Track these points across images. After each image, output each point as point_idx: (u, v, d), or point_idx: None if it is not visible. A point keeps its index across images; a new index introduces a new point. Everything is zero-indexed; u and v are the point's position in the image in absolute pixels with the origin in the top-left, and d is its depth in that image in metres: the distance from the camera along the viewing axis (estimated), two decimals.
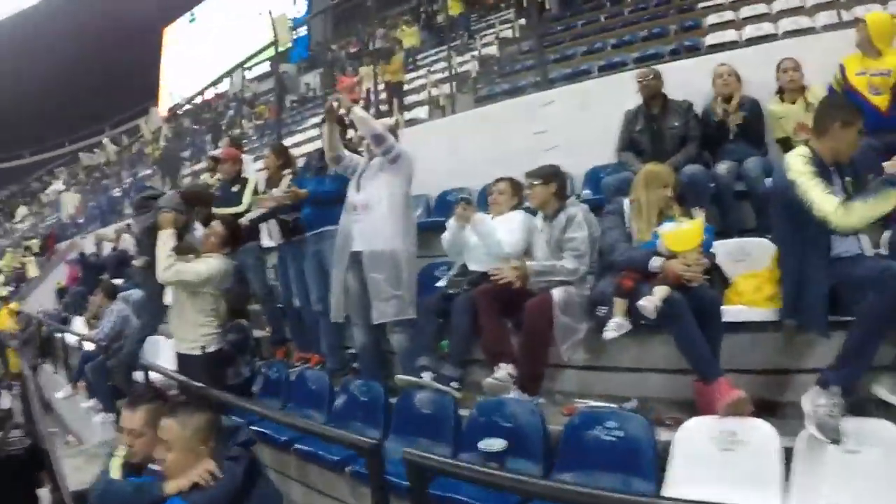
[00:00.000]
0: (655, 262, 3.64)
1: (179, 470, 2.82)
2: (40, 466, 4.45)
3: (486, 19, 17.22)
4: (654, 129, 5.35)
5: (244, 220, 6.11)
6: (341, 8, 16.01)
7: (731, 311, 3.62)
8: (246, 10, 36.09)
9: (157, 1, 44.42)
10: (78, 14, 48.51)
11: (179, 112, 16.38)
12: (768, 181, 4.45)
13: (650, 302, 3.42)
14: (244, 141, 14.28)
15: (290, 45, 11.55)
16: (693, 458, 3.04)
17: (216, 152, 10.17)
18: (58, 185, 24.78)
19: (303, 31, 27.48)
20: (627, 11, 12.84)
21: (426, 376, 4.25)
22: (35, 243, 21.30)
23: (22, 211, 31.50)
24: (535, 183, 4.46)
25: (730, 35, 9.26)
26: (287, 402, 5.30)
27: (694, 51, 8.85)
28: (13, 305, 14.22)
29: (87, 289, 12.06)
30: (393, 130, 4.91)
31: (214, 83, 16.94)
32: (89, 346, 8.31)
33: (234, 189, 6.62)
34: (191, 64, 41.09)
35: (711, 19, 10.36)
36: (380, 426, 4.35)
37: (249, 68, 13.69)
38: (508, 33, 14.90)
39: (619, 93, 5.83)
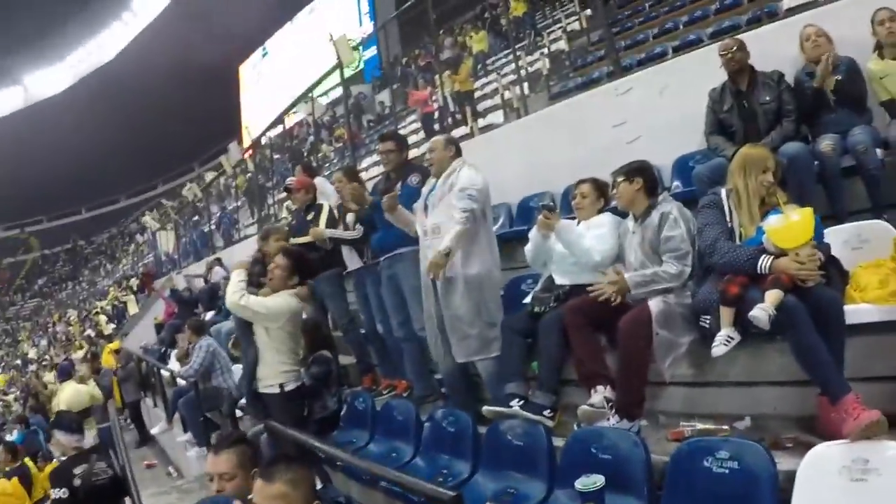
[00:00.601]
0: (764, 263, 3.15)
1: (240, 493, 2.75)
2: (123, 495, 4.91)
3: (551, 15, 16.80)
4: (743, 107, 4.69)
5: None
6: (405, 17, 15.83)
7: (854, 312, 3.11)
8: (314, 37, 36.76)
9: (230, 41, 45.67)
10: (158, 63, 51.05)
11: (261, 143, 16.53)
12: (879, 152, 3.98)
13: (763, 311, 2.95)
14: (325, 165, 14.26)
15: (355, 65, 11.45)
16: (820, 491, 2.56)
17: (289, 181, 10.14)
18: (153, 225, 25.65)
19: (373, 50, 27.71)
20: None
21: (515, 405, 3.90)
22: (134, 281, 22.02)
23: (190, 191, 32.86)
24: (620, 181, 4.03)
25: None
26: (374, 434, 5.04)
27: (772, 16, 8.09)
28: (113, 345, 14.54)
29: (182, 323, 12.25)
30: (455, 145, 4.67)
31: (287, 111, 17.01)
32: (182, 382, 8.39)
33: (309, 217, 6.43)
34: (268, 96, 41.97)
35: None
36: (469, 459, 4.02)
37: (325, 93, 13.69)
38: (576, 26, 14.49)
39: (700, 71, 5.26)
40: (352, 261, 6.11)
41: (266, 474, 2.55)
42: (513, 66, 12.55)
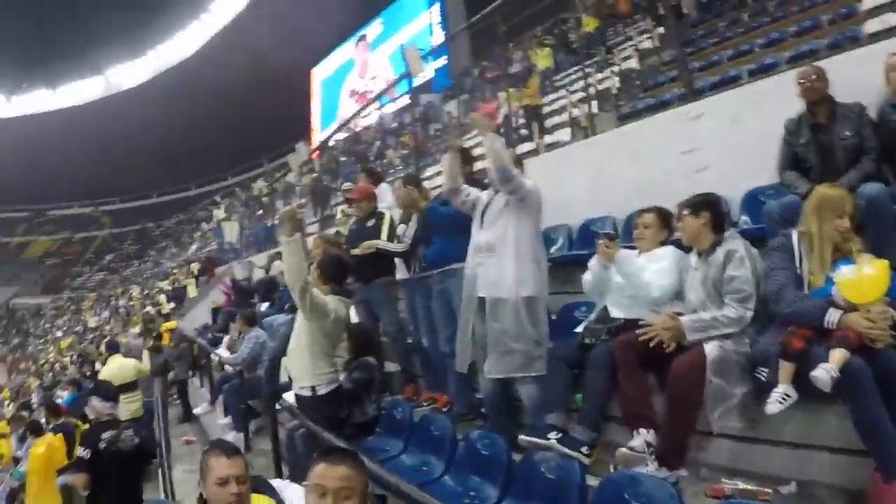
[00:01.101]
0: (832, 317, 2.94)
1: None
2: (147, 463, 5.71)
3: (622, 32, 16.47)
4: (821, 142, 4.36)
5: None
6: (475, 29, 15.73)
7: None
8: (388, 47, 37.29)
9: (303, 46, 46.54)
10: (233, 62, 52.81)
11: (328, 145, 16.72)
12: None
13: (826, 372, 2.76)
14: (390, 171, 14.28)
15: (423, 75, 11.45)
16: None
17: (346, 186, 10.21)
18: (219, 215, 26.23)
19: (444, 60, 27.74)
20: (773, 6, 11.63)
21: (553, 438, 3.76)
22: (196, 266, 22.49)
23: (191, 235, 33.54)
24: (686, 213, 3.83)
25: (894, 19, 7.81)
26: (408, 445, 4.95)
27: (854, 42, 7.65)
28: (170, 324, 14.98)
29: (238, 310, 12.44)
30: (517, 162, 4.49)
31: (356, 115, 17.16)
32: (229, 369, 8.55)
33: (369, 224, 6.41)
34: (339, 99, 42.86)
35: (867, 3, 8.94)
36: (498, 484, 3.87)
37: (394, 100, 13.71)
38: (648, 44, 14.00)
39: (776, 99, 5.00)
40: (400, 270, 6.12)
41: (329, 459, 2.57)
42: (582, 83, 12.39)
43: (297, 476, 5.44)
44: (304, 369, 4.89)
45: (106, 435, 5.49)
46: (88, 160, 62.38)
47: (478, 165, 5.81)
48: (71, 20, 58.95)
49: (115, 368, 9.57)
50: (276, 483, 3.32)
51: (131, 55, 64.82)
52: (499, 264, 4.22)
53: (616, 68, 13.06)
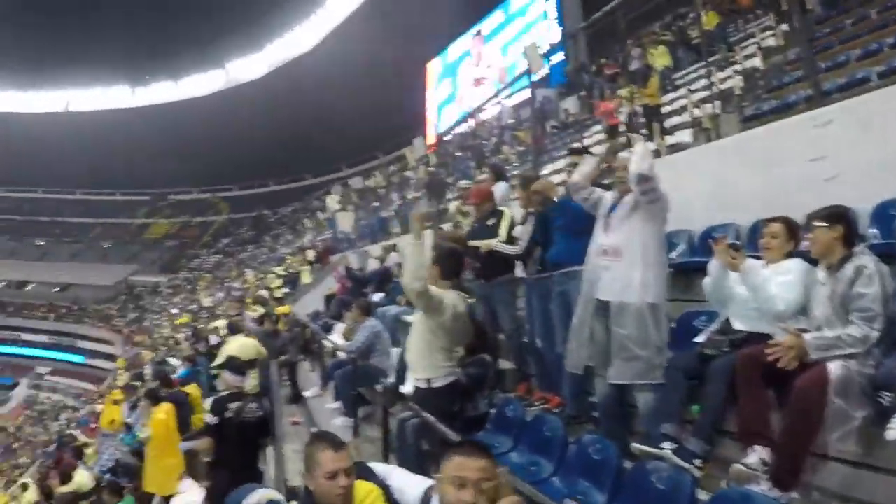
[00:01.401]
0: None
1: None
2: (266, 435, 6.21)
3: (744, 28, 15.83)
4: None
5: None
6: (594, 28, 15.46)
7: None
8: (501, 40, 37.15)
9: (419, 40, 46.89)
10: (349, 57, 53.95)
11: (444, 139, 16.80)
12: None
13: None
14: (506, 167, 14.28)
15: (543, 72, 11.38)
16: None
17: (465, 184, 10.26)
18: (334, 205, 26.79)
19: (560, 56, 27.48)
20: None
21: (667, 448, 3.74)
22: (311, 253, 23.04)
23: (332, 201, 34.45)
24: (818, 225, 3.69)
25: None
26: (517, 443, 5.00)
27: None
28: (284, 308, 15.40)
29: (352, 298, 12.72)
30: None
31: (476, 111, 17.17)
32: (342, 355, 8.69)
33: (490, 223, 6.47)
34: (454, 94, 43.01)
35: None
36: (607, 491, 3.90)
37: (510, 95, 13.68)
38: (771, 41, 13.47)
39: None
40: (518, 268, 6.17)
41: (467, 452, 2.64)
42: (703, 81, 12.04)
43: (405, 466, 5.60)
44: (422, 361, 5.00)
45: (233, 405, 5.96)
46: (208, 149, 65.29)
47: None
48: (194, 15, 61.70)
49: (240, 346, 9.97)
50: (380, 468, 3.41)
51: (250, 49, 67.50)
52: (625, 269, 4.22)
53: (738, 67, 12.67)
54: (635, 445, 3.96)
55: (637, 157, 4.25)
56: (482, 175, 12.42)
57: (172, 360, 22.25)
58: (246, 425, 6.04)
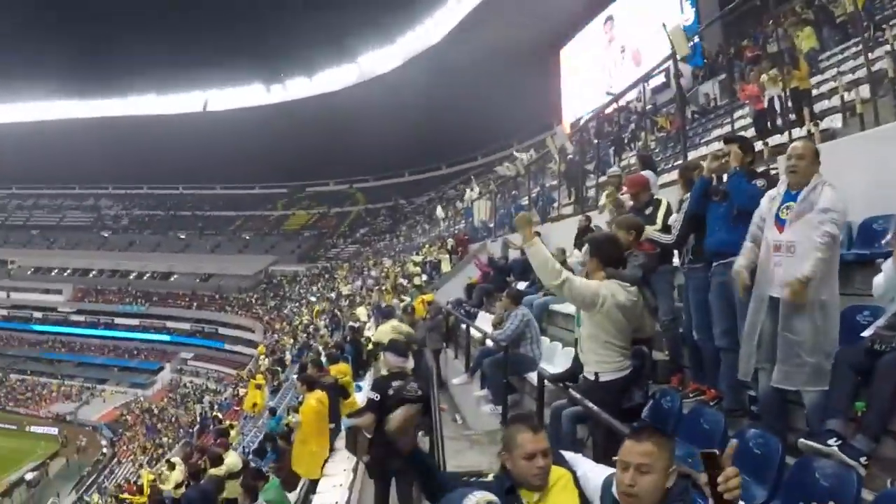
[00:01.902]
0: None
1: (652, 495, 2.64)
2: (426, 414, 6.27)
3: (890, 5, 14.76)
4: None
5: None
6: (736, 13, 14.79)
7: None
8: (633, 23, 36.39)
9: (552, 27, 46.58)
10: (480, 46, 54.10)
11: (581, 126, 16.59)
12: None
13: None
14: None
15: (688, 54, 11.00)
16: None
17: (614, 171, 10.14)
18: (471, 194, 26.96)
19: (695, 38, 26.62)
20: None
21: (833, 444, 3.65)
22: (451, 242, 23.32)
23: (440, 213, 34.65)
24: None
25: None
26: (675, 434, 4.81)
27: None
28: (428, 296, 15.66)
29: (494, 287, 12.86)
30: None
31: (618, 97, 16.91)
32: (491, 343, 8.76)
33: (647, 212, 6.46)
34: (588, 80, 42.39)
35: None
36: (768, 486, 3.82)
37: (647, 81, 13.35)
38: None
39: None
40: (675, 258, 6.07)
41: (634, 435, 2.71)
42: (851, 63, 11.50)
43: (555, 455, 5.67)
44: (591, 356, 4.91)
45: (395, 384, 6.26)
46: (343, 141, 67.25)
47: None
48: (326, 12, 63.58)
49: (389, 331, 10.27)
50: (568, 455, 3.50)
51: (383, 42, 68.80)
52: (798, 264, 4.10)
53: (889, 48, 11.92)
54: (803, 441, 3.86)
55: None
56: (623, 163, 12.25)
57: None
58: (407, 402, 5.79)
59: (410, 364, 7.16)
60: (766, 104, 12.07)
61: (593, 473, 3.32)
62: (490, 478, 3.25)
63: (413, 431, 3.82)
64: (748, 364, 4.41)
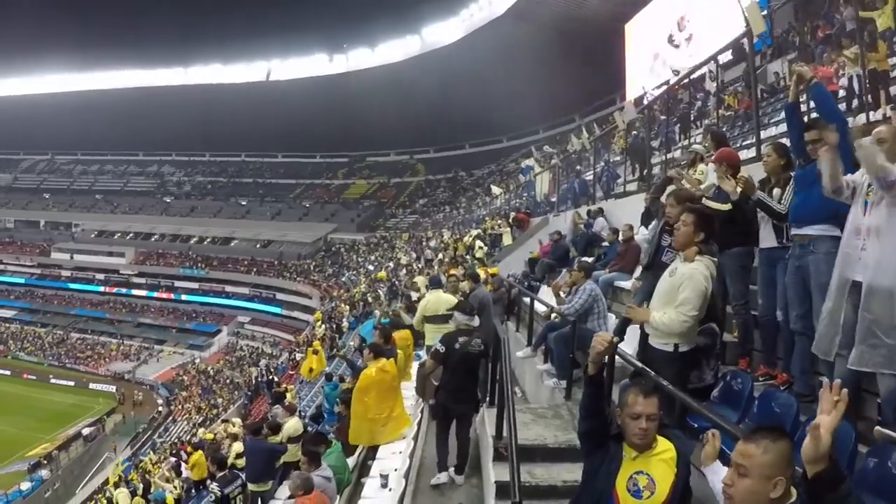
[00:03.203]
0: None
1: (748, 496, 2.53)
2: (489, 360, 7.31)
3: None
4: None
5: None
6: None
7: None
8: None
9: (614, 1, 45.74)
10: (544, 18, 53.45)
11: (646, 102, 16.28)
12: None
13: None
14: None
15: (764, 31, 10.66)
16: None
17: (697, 147, 9.98)
18: (535, 168, 26.76)
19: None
20: None
21: None
22: (513, 215, 23.27)
23: (495, 190, 34.56)
24: None
25: None
26: (744, 416, 4.83)
27: None
28: (493, 269, 15.63)
29: (555, 262, 12.81)
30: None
31: (688, 74, 16.57)
32: (555, 317, 8.77)
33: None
34: (653, 56, 41.59)
35: None
36: None
37: (716, 58, 13.02)
38: None
39: None
40: (767, 238, 5.77)
41: (749, 436, 2.63)
42: None
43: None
44: (671, 325, 4.81)
45: (461, 339, 7.09)
46: (405, 113, 67.28)
47: None
48: None
49: (434, 299, 10.32)
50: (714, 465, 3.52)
51: (446, 14, 68.68)
52: (884, 249, 3.96)
53: None
54: (879, 429, 3.76)
55: (864, 161, 4.03)
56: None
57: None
58: (468, 356, 7.05)
59: (476, 322, 7.63)
60: (839, 85, 11.75)
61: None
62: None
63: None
64: (832, 343, 4.28)
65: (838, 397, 2.49)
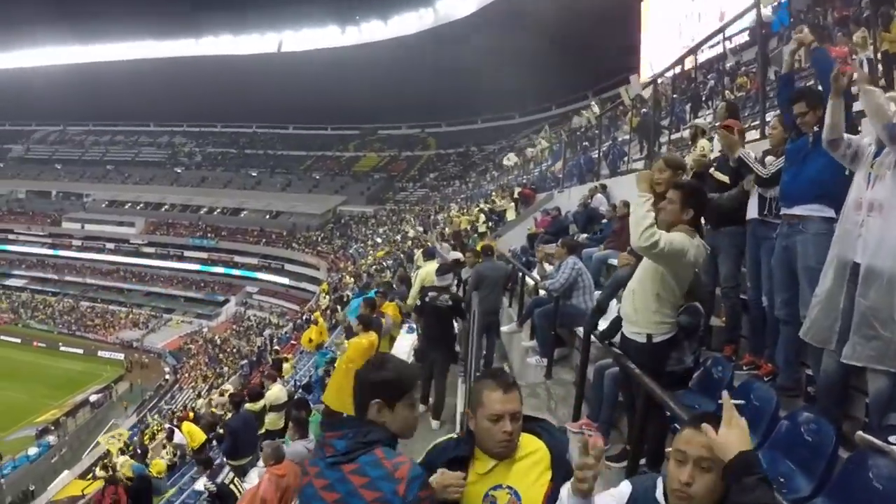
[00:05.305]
0: None
1: (708, 499, 2.24)
2: (457, 316, 8.54)
3: None
4: None
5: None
6: None
7: None
8: None
9: None
10: None
11: (658, 81, 15.92)
12: None
13: None
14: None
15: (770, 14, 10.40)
16: None
17: (699, 122, 9.79)
18: (542, 144, 26.52)
19: None
20: None
21: (894, 442, 3.23)
22: (518, 191, 23.08)
23: (509, 160, 34.29)
24: None
25: None
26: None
27: None
28: (493, 243, 15.32)
29: (552, 238, 12.64)
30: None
31: (694, 50, 16.21)
32: (543, 293, 8.64)
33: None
34: (668, 34, 40.85)
35: None
36: (815, 479, 3.46)
37: (729, 38, 12.55)
38: None
39: None
40: (752, 208, 5.45)
41: (696, 423, 2.31)
42: None
43: (596, 413, 5.44)
44: (647, 315, 4.36)
45: (432, 293, 8.35)
46: (417, 86, 67.23)
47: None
48: None
49: (430, 272, 10.30)
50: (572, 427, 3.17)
51: None
52: (884, 227, 3.60)
53: None
54: (861, 434, 3.43)
55: (867, 111, 3.68)
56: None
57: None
58: (438, 309, 8.24)
59: (447, 282, 8.71)
60: (854, 68, 11.45)
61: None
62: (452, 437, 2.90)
63: None
64: (831, 330, 3.86)
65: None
